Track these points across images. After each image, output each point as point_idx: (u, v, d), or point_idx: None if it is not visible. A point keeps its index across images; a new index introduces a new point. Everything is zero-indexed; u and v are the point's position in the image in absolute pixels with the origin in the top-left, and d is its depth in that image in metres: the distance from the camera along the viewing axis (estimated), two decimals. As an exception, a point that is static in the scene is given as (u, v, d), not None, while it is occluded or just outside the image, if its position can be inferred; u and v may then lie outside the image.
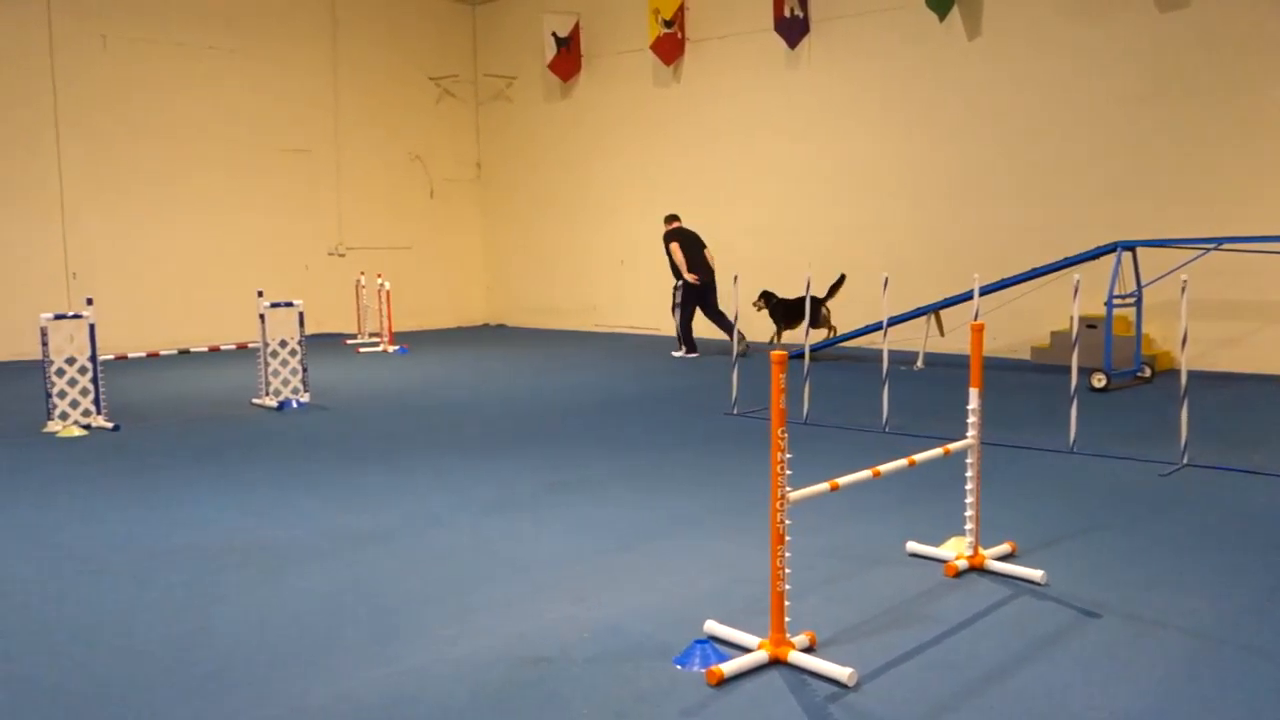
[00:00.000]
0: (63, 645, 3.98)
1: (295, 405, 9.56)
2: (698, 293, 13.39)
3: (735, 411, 8.84)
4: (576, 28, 17.00)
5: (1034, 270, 10.99)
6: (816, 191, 14.45)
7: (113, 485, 6.64)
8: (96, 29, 14.30)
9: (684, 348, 13.56)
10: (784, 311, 13.29)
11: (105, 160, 14.45)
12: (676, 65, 15.87)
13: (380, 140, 17.51)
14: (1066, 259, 10.71)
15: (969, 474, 4.64)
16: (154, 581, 4.72)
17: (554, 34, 17.04)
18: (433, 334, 16.90)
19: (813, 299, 11.94)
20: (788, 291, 13.16)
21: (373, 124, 17.39)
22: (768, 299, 13.44)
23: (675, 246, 13.37)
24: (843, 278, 12.76)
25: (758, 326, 13.82)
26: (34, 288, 13.69)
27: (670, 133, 16.11)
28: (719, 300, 13.50)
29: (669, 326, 15.90)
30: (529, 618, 4.16)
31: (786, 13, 14.26)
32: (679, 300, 13.44)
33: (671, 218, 13.82)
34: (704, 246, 13.58)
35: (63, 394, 8.51)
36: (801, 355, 8.50)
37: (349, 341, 15.45)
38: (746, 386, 9.19)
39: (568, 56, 17.09)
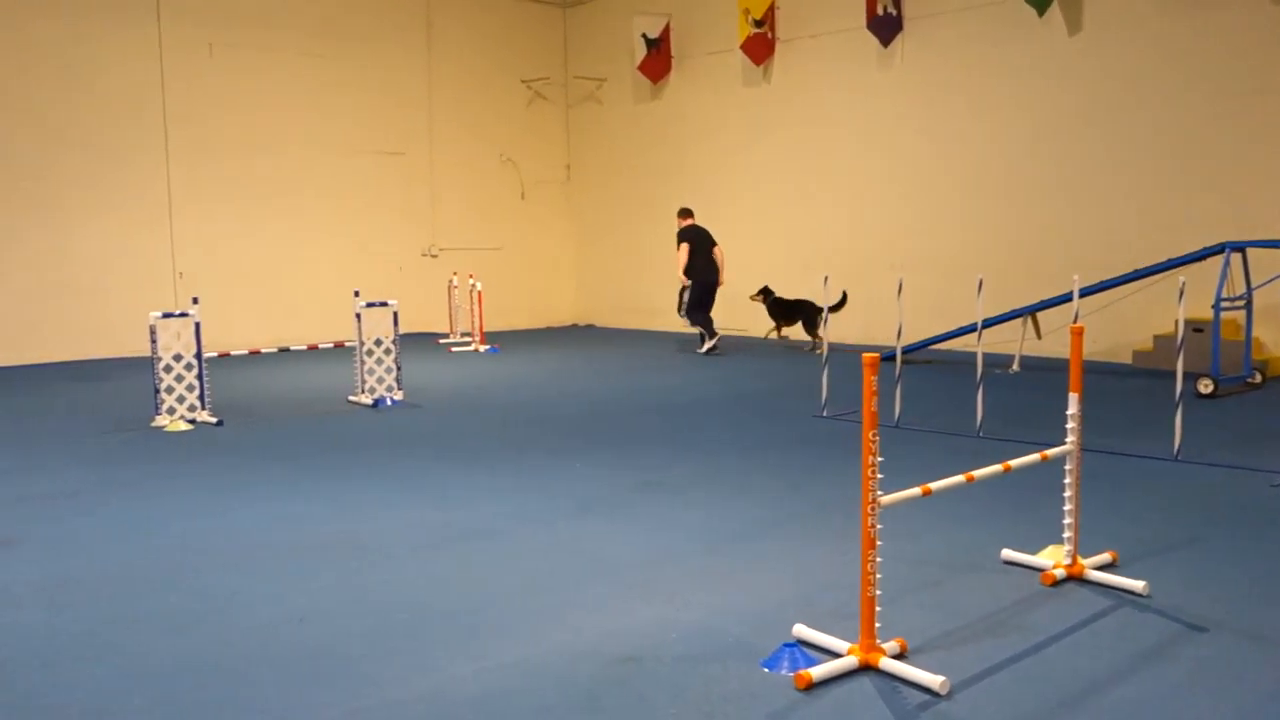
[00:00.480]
0: (167, 630, 4.12)
1: (389, 403, 9.75)
2: (704, 290, 13.75)
3: (825, 414, 8.76)
4: (667, 29, 17.02)
5: (1137, 271, 10.67)
6: (909, 191, 14.24)
7: (216, 479, 6.85)
8: (204, 37, 14.79)
9: (708, 340, 13.86)
10: (781, 311, 14.20)
11: (210, 164, 14.93)
12: (767, 65, 15.79)
13: (472, 143, 17.77)
14: (1171, 260, 10.37)
15: (1067, 480, 4.53)
16: (254, 571, 4.86)
17: (644, 35, 17.09)
18: (523, 334, 17.09)
19: (816, 306, 13.60)
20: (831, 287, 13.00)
21: (465, 127, 17.66)
22: (766, 294, 14.15)
23: (685, 248, 13.69)
24: (845, 298, 13.46)
25: (755, 319, 13.66)
26: (144, 287, 14.21)
27: (760, 133, 16.03)
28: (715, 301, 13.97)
29: (759, 327, 15.83)
30: (617, 617, 4.18)
31: (880, 10, 14.08)
32: (688, 301, 13.78)
33: (685, 212, 14.13)
34: (714, 244, 13.88)
35: (170, 389, 8.81)
36: (893, 358, 8.39)
37: (441, 341, 15.70)
38: (836, 388, 9.10)
39: (658, 58, 17.12)
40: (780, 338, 14.65)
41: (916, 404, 9.00)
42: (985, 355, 8.10)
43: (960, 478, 4.01)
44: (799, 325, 14.10)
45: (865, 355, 3.47)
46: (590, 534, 5.42)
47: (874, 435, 3.49)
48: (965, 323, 11.74)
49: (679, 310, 13.95)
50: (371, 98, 16.51)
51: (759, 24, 15.50)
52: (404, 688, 3.55)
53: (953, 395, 9.77)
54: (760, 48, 15.62)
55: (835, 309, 13.47)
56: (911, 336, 12.06)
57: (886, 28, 14.14)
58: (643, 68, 17.24)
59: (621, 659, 3.74)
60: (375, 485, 6.61)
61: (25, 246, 13.51)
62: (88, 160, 13.94)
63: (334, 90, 16.09)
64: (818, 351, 12.93)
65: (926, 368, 11.95)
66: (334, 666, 3.74)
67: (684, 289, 13.76)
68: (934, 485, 3.87)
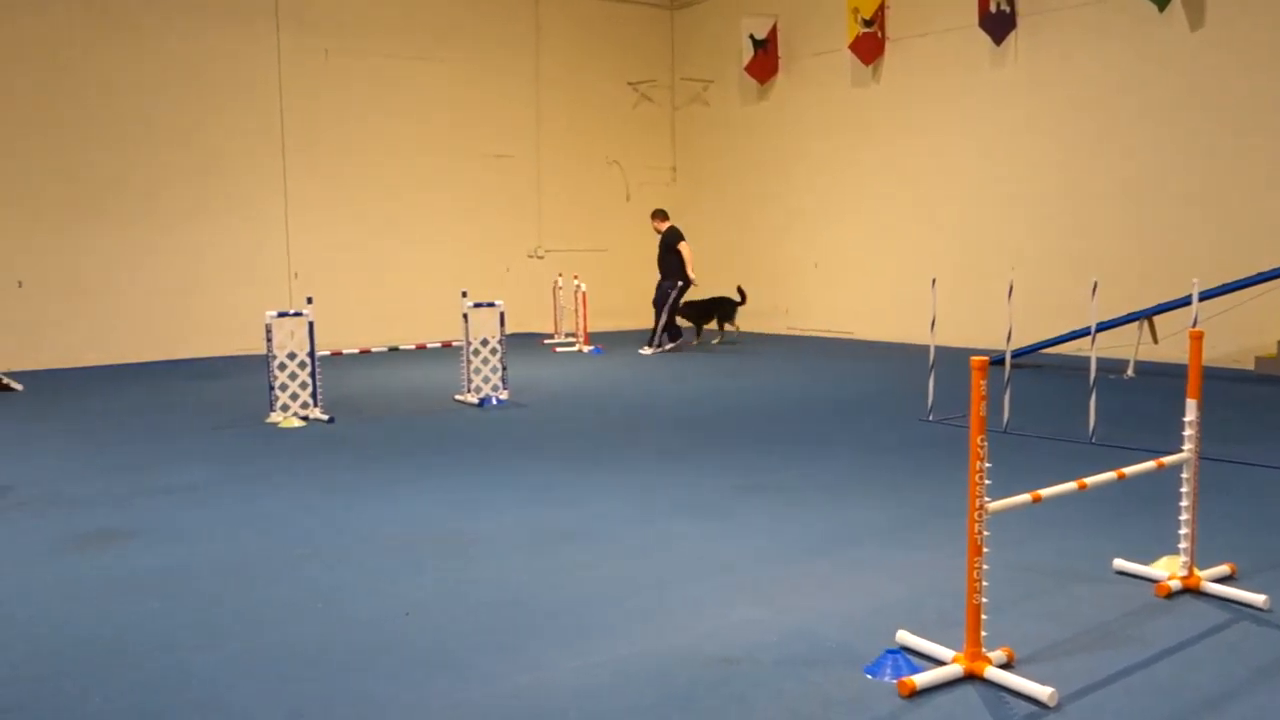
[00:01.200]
0: (278, 620, 4.27)
1: (495, 402, 9.91)
2: (684, 292, 14.42)
3: (931, 418, 8.61)
4: (774, 30, 16.94)
5: (1261, 274, 10.23)
6: (1021, 191, 13.90)
7: (326, 474, 7.06)
8: (320, 44, 15.24)
9: (668, 342, 14.44)
10: (697, 312, 15.22)
11: (324, 167, 15.38)
12: (876, 65, 15.59)
13: (579, 145, 17.94)
14: (1300, 262, 9.92)
15: (1184, 489, 4.37)
16: (361, 565, 5.00)
17: (751, 36, 17.03)
18: (627, 335, 17.17)
19: (731, 301, 15.11)
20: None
21: (572, 129, 17.84)
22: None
23: (688, 247, 14.30)
24: (743, 295, 15.09)
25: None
26: (261, 288, 14.70)
27: (868, 134, 15.83)
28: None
29: (864, 330, 15.64)
30: (718, 618, 4.18)
31: (992, 8, 13.77)
32: (673, 299, 14.25)
33: (664, 213, 14.81)
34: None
35: (284, 387, 9.10)
36: (1001, 361, 8.20)
37: (546, 341, 15.89)
38: (943, 392, 8.94)
39: (765, 59, 17.04)
40: (698, 340, 15.34)
41: (1026, 409, 8.78)
42: (1099, 360, 7.86)
43: (1072, 485, 3.90)
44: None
45: (974, 359, 3.40)
46: (691, 534, 5.43)
47: (982, 440, 3.42)
48: (1078, 326, 11.40)
49: (665, 307, 14.28)
50: (481, 101, 16.80)
51: (868, 23, 15.31)
52: (506, 682, 3.61)
53: (1064, 401, 9.50)
54: (869, 47, 15.43)
55: (739, 304, 14.91)
56: (1022, 340, 11.76)
57: (999, 25, 13.82)
58: (750, 69, 17.18)
59: (720, 660, 3.74)
60: (480, 482, 6.72)
61: (151, 249, 14.10)
62: (209, 165, 14.49)
63: (444, 94, 16.42)
64: (730, 340, 15.27)
65: (1037, 372, 11.64)
66: (438, 660, 3.82)
67: (674, 286, 14.24)
68: (1044, 492, 3.78)
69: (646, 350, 14.04)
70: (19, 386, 11.32)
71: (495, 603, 4.42)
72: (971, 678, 3.53)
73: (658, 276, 14.61)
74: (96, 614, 4.39)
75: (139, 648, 4.00)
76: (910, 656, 3.65)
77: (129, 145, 13.91)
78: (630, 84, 18.44)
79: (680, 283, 14.21)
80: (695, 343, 15.18)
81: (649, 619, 4.19)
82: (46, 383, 11.87)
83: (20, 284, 13.25)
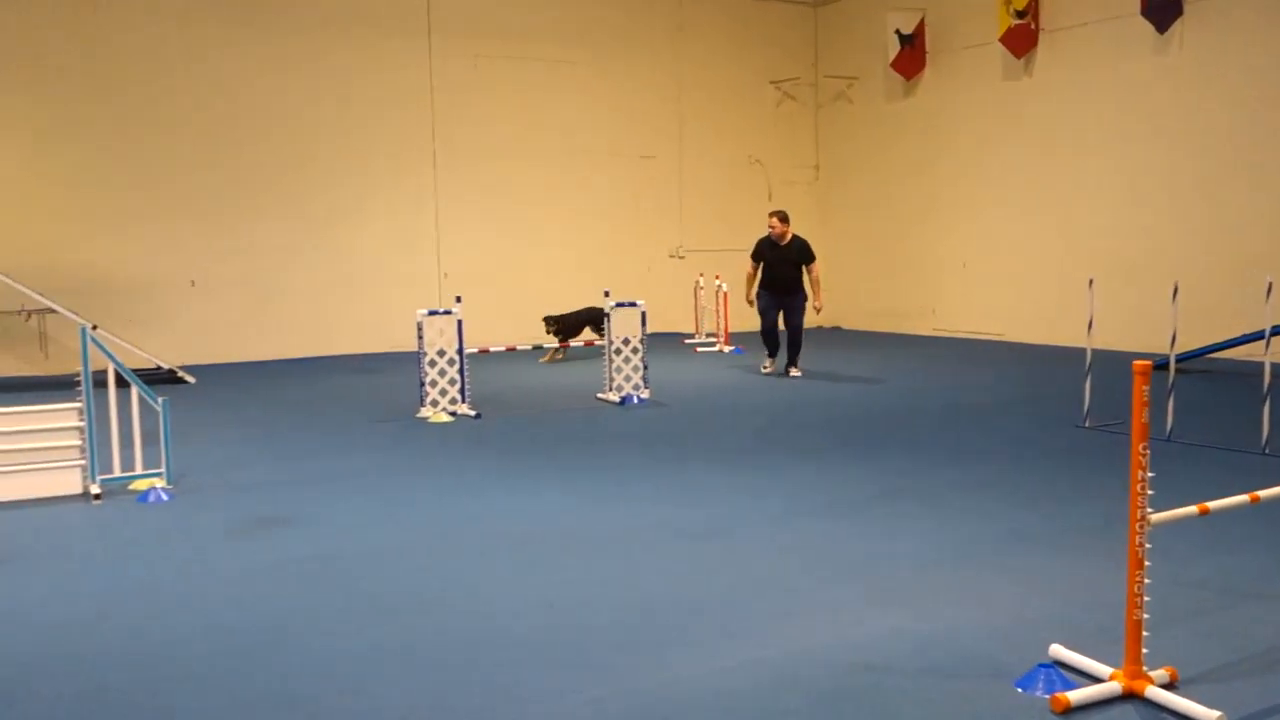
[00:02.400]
0: (419, 610, 4.38)
1: (636, 401, 9.97)
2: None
3: (1087, 424, 8.26)
4: (921, 24, 16.55)
5: None
6: (1187, 186, 13.20)
7: (471, 468, 7.23)
8: (469, 49, 15.64)
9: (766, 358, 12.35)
10: (568, 326, 13.49)
11: (473, 169, 15.77)
12: (1028, 58, 15.06)
13: (720, 145, 17.90)
14: None
15: (1371, 506, 4.07)
16: (501, 558, 5.10)
17: (897, 31, 16.68)
18: (751, 335, 17.04)
19: (600, 310, 10.65)
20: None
21: (714, 129, 17.81)
22: (549, 322, 13.47)
23: (818, 269, 11.97)
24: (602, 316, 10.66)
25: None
26: (413, 286, 15.17)
27: (1020, 129, 15.31)
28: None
29: (1015, 332, 15.15)
30: (860, 624, 4.10)
31: (1156, -6, 13.13)
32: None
33: (787, 217, 11.89)
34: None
35: (434, 383, 9.37)
36: (1165, 365, 7.80)
37: (687, 341, 15.91)
38: (1100, 398, 8.56)
39: (911, 54, 16.67)
40: (560, 357, 13.82)
41: (1192, 417, 8.34)
42: (1275, 365, 7.41)
43: (1243, 497, 3.68)
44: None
45: (1136, 363, 3.24)
46: (834, 538, 5.34)
47: (1144, 448, 3.26)
48: (1251, 329, 10.77)
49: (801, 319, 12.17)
50: (624, 103, 16.95)
51: (1021, 14, 14.80)
52: (641, 679, 3.62)
53: (1234, 409, 8.98)
54: (1022, 39, 14.92)
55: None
56: (1188, 344, 11.16)
57: (1164, 12, 13.17)
58: (896, 65, 16.84)
59: (863, 667, 3.67)
60: (620, 480, 6.78)
61: (311, 250, 14.71)
62: (366, 169, 15.04)
63: (588, 96, 16.63)
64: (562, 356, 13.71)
65: (1204, 378, 11.05)
66: (573, 655, 3.86)
67: (807, 302, 11.86)
68: (1212, 504, 3.57)
69: (796, 372, 11.86)
70: (191, 379, 11.99)
71: (633, 600, 4.45)
72: (1131, 696, 3.36)
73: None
74: (256, 598, 4.60)
75: (293, 632, 4.16)
76: (1064, 671, 3.51)
77: (291, 151, 14.55)
78: (773, 83, 18.30)
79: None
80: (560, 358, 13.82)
81: (788, 621, 4.14)
82: (216, 376, 12.52)
83: (193, 283, 14.01)
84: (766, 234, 11.80)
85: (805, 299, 11.75)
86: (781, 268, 11.69)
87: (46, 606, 4.57)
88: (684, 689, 3.53)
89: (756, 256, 11.89)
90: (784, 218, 11.72)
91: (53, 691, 3.62)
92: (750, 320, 17.27)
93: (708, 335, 15.82)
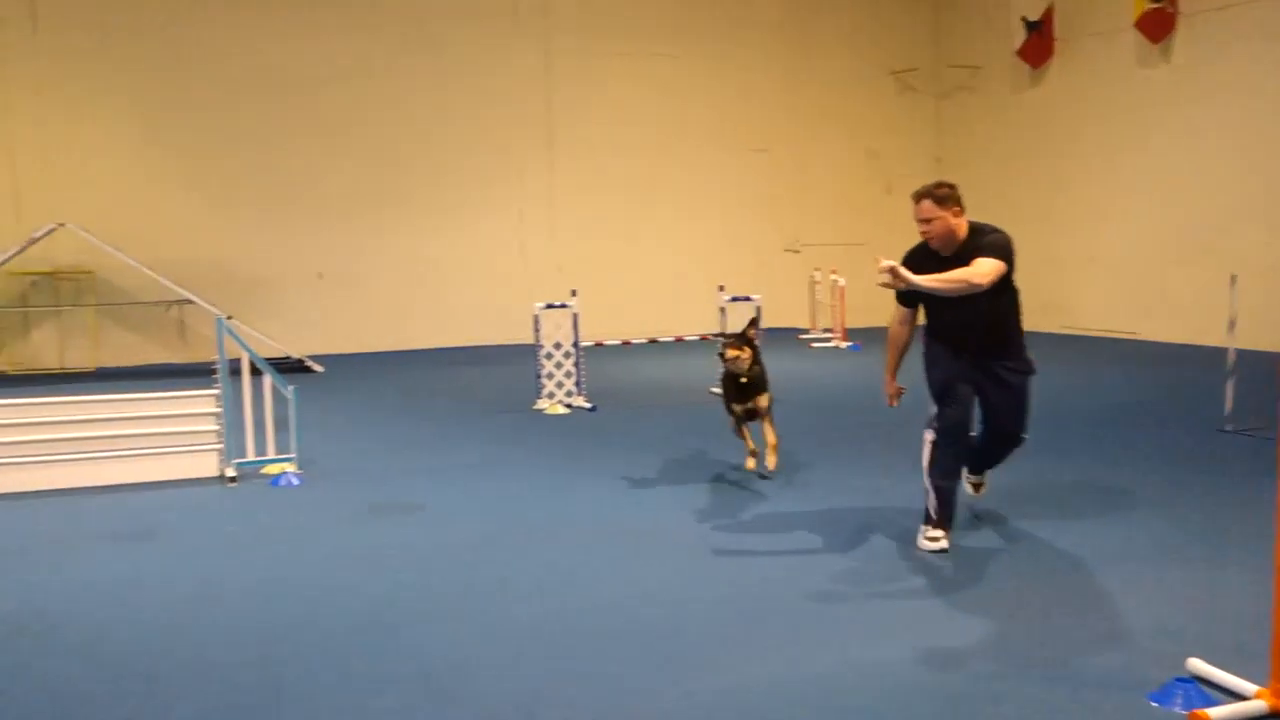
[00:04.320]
0: (523, 597, 4.45)
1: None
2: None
3: (1229, 428, 7.88)
4: (1049, 10, 16.00)
5: None
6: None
7: (586, 460, 7.29)
8: (584, 45, 15.77)
9: None
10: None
11: (587, 164, 15.91)
12: (1166, 43, 14.43)
13: (836, 137, 17.65)
14: None
15: None
16: (608, 549, 5.13)
17: (1023, 18, 16.17)
18: (884, 331, 16.78)
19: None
20: None
21: (830, 121, 17.58)
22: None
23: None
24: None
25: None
26: (529, 279, 15.37)
27: (1156, 118, 14.69)
28: None
29: (1150, 330, 14.61)
30: (979, 630, 4.00)
31: (1306, -25, 12.45)
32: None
33: (956, 199, 5.84)
34: None
35: (550, 375, 9.48)
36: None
37: (802, 336, 15.76)
38: (1243, 400, 8.15)
39: (1039, 41, 16.15)
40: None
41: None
42: None
43: (1404, 509, 3.46)
44: None
45: (1287, 364, 3.07)
46: (958, 541, 5.22)
47: (1295, 455, 3.09)
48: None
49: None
50: (737, 96, 16.86)
51: (1157, -1, 14.20)
52: (739, 674, 3.61)
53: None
54: (1158, 24, 14.30)
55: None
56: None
57: (1314, -6, 12.48)
58: (1022, 53, 16.33)
59: (991, 675, 3.58)
60: (730, 475, 6.74)
61: (432, 243, 15.05)
62: (486, 162, 15.32)
63: (701, 90, 16.59)
64: None
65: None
66: (671, 648, 3.87)
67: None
68: (1369, 516, 3.37)
69: (979, 490, 6.22)
70: (319, 369, 12.40)
71: (731, 595, 4.43)
72: (1277, 716, 3.20)
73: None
74: (379, 580, 4.74)
75: (401, 616, 4.29)
76: (1203, 687, 3.36)
77: (412, 147, 14.91)
78: (892, 73, 17.96)
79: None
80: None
81: (904, 625, 4.06)
82: (342, 366, 12.91)
83: (320, 276, 14.48)
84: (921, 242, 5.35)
85: (1028, 364, 5.50)
86: (957, 309, 5.13)
87: (184, 581, 4.80)
88: (779, 687, 3.49)
89: (899, 291, 5.07)
90: (942, 199, 5.27)
91: (194, 658, 3.79)
92: (867, 316, 16.96)
93: (824, 331, 15.63)
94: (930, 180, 5.25)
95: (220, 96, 13.98)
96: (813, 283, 16.06)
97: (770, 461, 6.53)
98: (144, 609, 4.44)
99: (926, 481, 5.07)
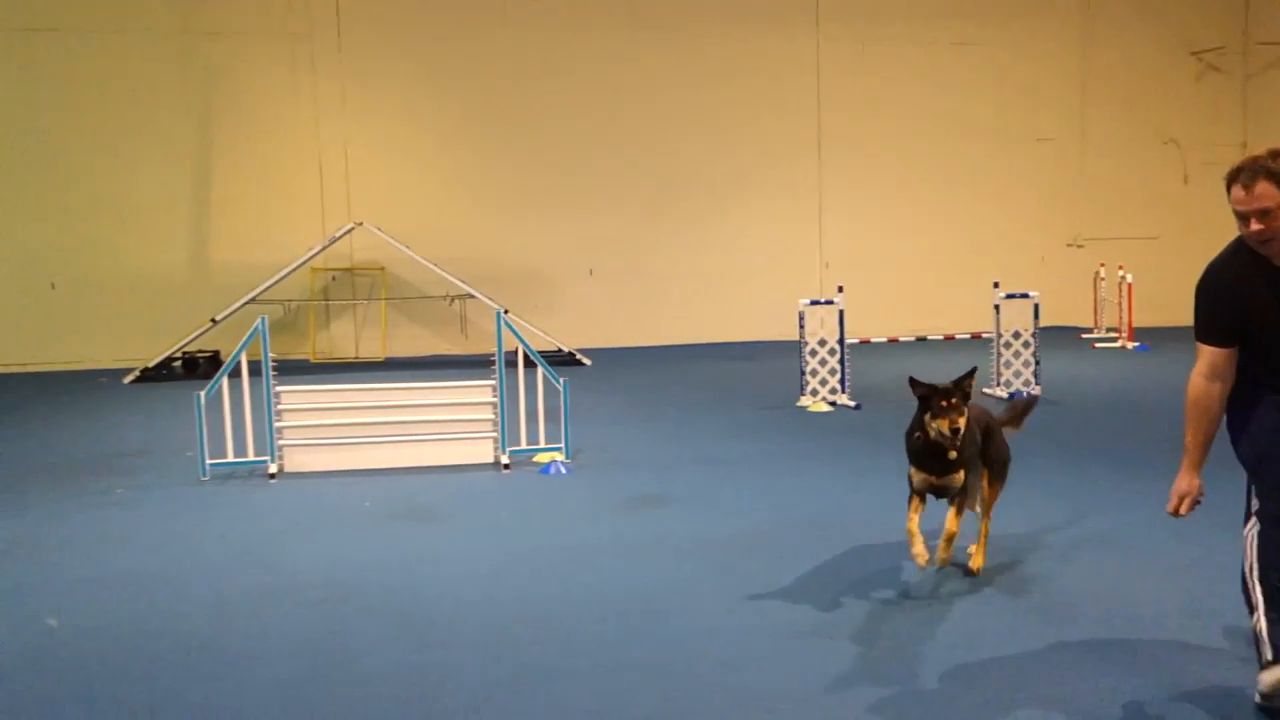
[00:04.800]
0: (787, 594, 4.37)
1: (1025, 397, 9.40)
2: None
3: None
4: (1385, -26, 14.27)
5: None
6: None
7: (848, 459, 7.16)
8: (856, 34, 15.47)
9: None
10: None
11: (856, 157, 15.61)
12: None
13: (1127, 124, 16.46)
14: None
15: None
16: (870, 555, 4.97)
17: (1353, -15, 14.51)
18: (1180, 332, 15.51)
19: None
20: None
21: (1121, 107, 16.41)
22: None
23: None
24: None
25: None
26: (794, 276, 15.26)
27: None
28: None
29: None
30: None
31: None
32: None
33: None
34: None
35: (814, 372, 9.36)
36: None
37: (1084, 336, 14.82)
38: None
39: (1371, 10, 14.43)
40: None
41: None
42: None
43: None
44: None
45: None
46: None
47: None
48: None
49: None
50: (1017, 83, 16.04)
51: None
52: (1032, 692, 3.40)
53: None
54: None
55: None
56: None
57: None
58: (1348, 24, 14.65)
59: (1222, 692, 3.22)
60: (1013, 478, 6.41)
61: (696, 239, 15.21)
62: (753, 159, 15.34)
63: (979, 78, 15.90)
64: None
65: None
66: (959, 659, 3.69)
67: None
68: None
69: None
70: (587, 362, 12.84)
71: (1030, 607, 4.19)
72: None
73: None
74: (641, 569, 4.86)
75: (665, 606, 4.34)
76: None
77: (677, 145, 15.14)
78: (1193, 54, 16.54)
79: None
80: None
81: (1187, 637, 3.71)
82: (609, 359, 13.31)
83: (591, 272, 14.98)
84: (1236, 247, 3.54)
85: None
86: None
87: (459, 559, 5.09)
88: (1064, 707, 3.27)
89: (1215, 324, 3.48)
90: None
91: (482, 624, 4.01)
92: (1157, 315, 15.70)
93: (1108, 330, 14.63)
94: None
95: (511, 106, 14.70)
96: (1097, 279, 15.06)
97: (975, 564, 4.64)
98: (436, 581, 4.74)
99: (1256, 593, 3.27)
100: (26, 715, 3.47)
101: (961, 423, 4.33)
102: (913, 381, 4.57)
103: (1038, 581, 4.55)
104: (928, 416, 4.42)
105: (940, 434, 4.36)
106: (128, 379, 12.00)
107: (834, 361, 9.36)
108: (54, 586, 4.78)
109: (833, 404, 9.26)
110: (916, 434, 4.52)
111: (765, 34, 15.26)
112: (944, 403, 4.37)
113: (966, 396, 4.46)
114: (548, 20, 14.77)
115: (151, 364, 12.20)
